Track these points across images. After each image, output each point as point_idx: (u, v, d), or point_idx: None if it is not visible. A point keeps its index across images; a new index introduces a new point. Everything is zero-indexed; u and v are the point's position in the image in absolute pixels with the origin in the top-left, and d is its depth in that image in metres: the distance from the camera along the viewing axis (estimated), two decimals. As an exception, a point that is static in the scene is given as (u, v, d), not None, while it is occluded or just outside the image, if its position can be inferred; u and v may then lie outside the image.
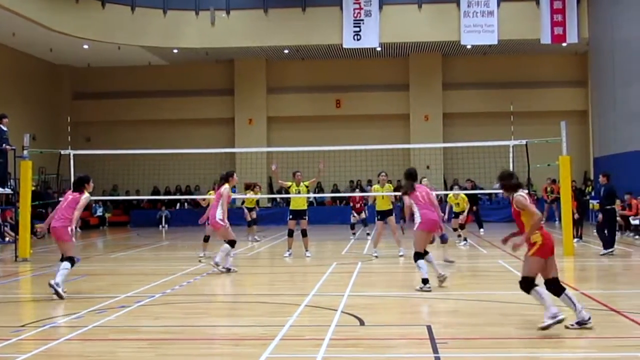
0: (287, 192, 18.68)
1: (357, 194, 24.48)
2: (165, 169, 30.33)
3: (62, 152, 19.61)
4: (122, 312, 10.03)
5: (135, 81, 35.69)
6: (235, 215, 22.31)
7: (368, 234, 22.78)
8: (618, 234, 22.28)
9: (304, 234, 17.56)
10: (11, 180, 19.50)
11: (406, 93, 34.74)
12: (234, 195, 18.46)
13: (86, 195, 11.84)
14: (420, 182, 15.72)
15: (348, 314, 9.54)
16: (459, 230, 20.07)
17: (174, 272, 14.65)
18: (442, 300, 10.80)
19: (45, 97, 34.29)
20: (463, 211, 19.72)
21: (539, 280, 8.41)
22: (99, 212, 32.94)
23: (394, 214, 17.28)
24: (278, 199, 32.80)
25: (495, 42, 30.04)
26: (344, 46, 30.58)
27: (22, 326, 9.07)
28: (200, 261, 16.71)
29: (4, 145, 17.84)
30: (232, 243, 14.52)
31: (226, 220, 14.57)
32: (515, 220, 8.57)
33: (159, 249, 21.82)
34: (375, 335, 8.44)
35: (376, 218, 17.31)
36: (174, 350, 7.85)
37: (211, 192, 18.50)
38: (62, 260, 11.84)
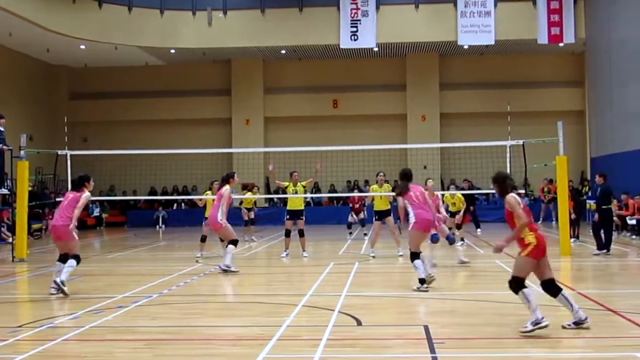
0: (284, 192, 18.68)
1: (356, 194, 24.47)
2: (162, 169, 30.30)
3: (59, 152, 19.57)
4: (119, 312, 10.03)
5: (132, 81, 35.66)
6: (234, 215, 22.29)
7: (365, 235, 22.78)
8: (615, 234, 22.34)
9: (301, 234, 17.57)
10: (8, 181, 19.45)
11: (403, 93, 34.76)
12: (233, 196, 18.47)
13: (86, 194, 11.96)
14: (426, 184, 15.83)
15: (345, 314, 9.55)
16: (456, 230, 20.07)
17: (171, 272, 14.64)
18: (439, 301, 10.81)
19: (42, 98, 34.26)
20: (459, 211, 19.72)
21: (536, 281, 8.42)
22: (96, 212, 32.91)
23: (392, 214, 17.28)
24: (275, 199, 32.79)
25: (492, 42, 30.07)
26: (341, 46, 30.59)
27: (19, 327, 9.06)
28: (197, 261, 16.72)
29: (1, 145, 17.82)
30: (234, 242, 14.53)
31: (225, 221, 14.58)
32: (508, 221, 8.56)
33: (156, 250, 21.81)
34: (372, 336, 8.45)
35: (374, 218, 17.32)
36: (171, 350, 7.85)
37: (208, 192, 18.47)
38: (59, 259, 11.95)
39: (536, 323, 7.95)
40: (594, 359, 7.23)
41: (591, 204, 23.60)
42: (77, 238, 11.99)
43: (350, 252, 18.92)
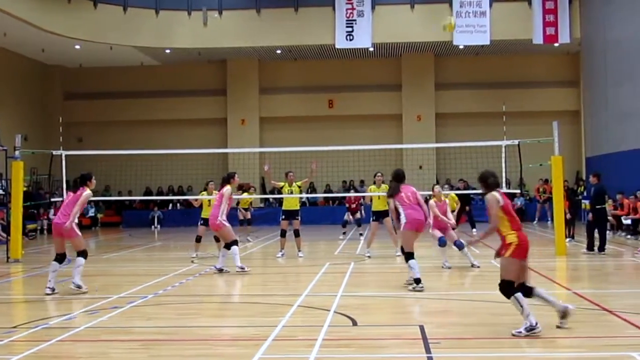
0: (280, 193, 18.68)
1: (352, 194, 24.46)
2: (157, 170, 30.26)
3: (54, 152, 19.54)
4: (114, 313, 10.01)
5: (127, 81, 35.60)
6: (230, 215, 22.25)
7: (361, 235, 22.77)
8: (610, 234, 22.40)
9: (297, 234, 17.57)
10: (3, 181, 19.43)
11: (399, 93, 34.75)
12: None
13: (87, 192, 12.17)
14: (433, 190, 15.87)
15: (341, 314, 9.55)
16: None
17: (167, 272, 14.63)
18: (435, 300, 10.82)
19: (37, 98, 34.18)
20: (453, 211, 19.72)
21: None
22: (91, 212, 32.85)
23: (390, 215, 17.29)
24: (271, 200, 32.77)
25: (488, 43, 30.06)
26: (337, 46, 30.56)
27: (14, 327, 9.04)
28: (192, 262, 16.71)
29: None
30: (234, 243, 14.53)
31: (226, 221, 14.58)
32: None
33: (152, 250, 21.79)
34: (367, 336, 8.45)
35: (371, 218, 17.32)
36: (166, 351, 7.84)
37: (203, 192, 18.45)
38: (56, 259, 12.07)
39: (530, 329, 7.93)
40: (589, 358, 7.23)
41: (586, 203, 23.65)
42: (80, 233, 12.18)
43: (346, 252, 18.91)
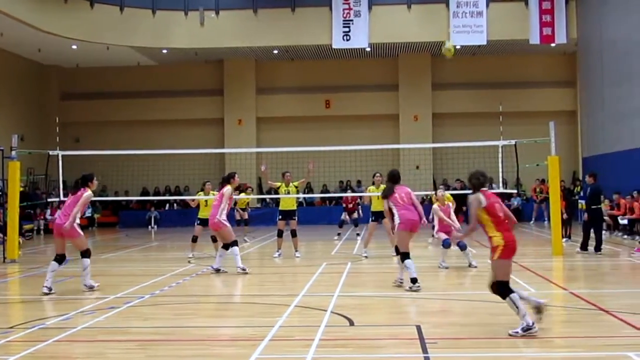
0: (277, 193, 18.67)
1: (349, 194, 24.46)
2: (154, 170, 30.24)
3: (51, 152, 19.51)
4: (111, 313, 10.01)
5: (124, 81, 35.58)
6: (229, 215, 22.25)
7: (358, 235, 22.79)
8: (607, 234, 22.43)
9: (294, 234, 17.57)
10: (-1, 181, 19.40)
11: (395, 93, 34.77)
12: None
13: (88, 192, 12.29)
14: (436, 193, 15.93)
15: (338, 314, 9.55)
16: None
17: (164, 273, 14.62)
18: (432, 301, 10.83)
19: (34, 98, 34.15)
20: None
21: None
22: (88, 212, 32.76)
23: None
24: (268, 200, 32.75)
25: (484, 43, 30.11)
26: (334, 46, 30.58)
27: (11, 328, 9.03)
28: (189, 262, 16.70)
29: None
30: (234, 243, 14.53)
31: (227, 221, 14.58)
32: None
33: (148, 250, 21.77)
34: (364, 336, 8.45)
35: (370, 219, 17.32)
36: (163, 351, 7.84)
37: (200, 193, 18.44)
38: (55, 259, 12.10)
39: (527, 329, 7.94)
40: (586, 358, 7.24)
41: (582, 203, 23.70)
42: (81, 234, 12.29)
43: (343, 252, 18.91)
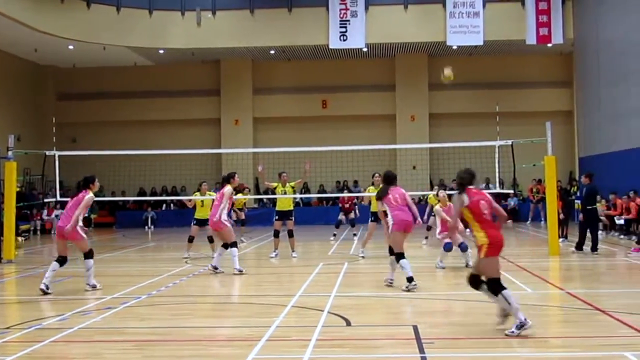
0: (274, 193, 18.67)
1: (345, 194, 24.45)
2: (151, 170, 30.19)
3: (47, 153, 19.49)
4: (108, 313, 10.00)
5: (120, 82, 35.55)
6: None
7: (355, 235, 22.77)
8: (603, 234, 22.47)
9: (290, 234, 17.56)
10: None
11: (392, 93, 34.78)
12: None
13: (89, 195, 12.38)
14: (437, 194, 15.95)
15: (334, 314, 9.55)
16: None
17: (160, 273, 14.61)
18: (428, 301, 10.83)
19: (30, 98, 34.10)
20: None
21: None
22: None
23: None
24: (265, 200, 32.74)
25: (481, 43, 30.14)
26: (330, 47, 30.60)
27: (7, 328, 9.02)
28: (186, 262, 16.69)
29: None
30: (234, 244, 14.52)
31: (227, 221, 14.57)
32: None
33: (145, 250, 21.75)
34: (361, 336, 8.46)
35: (370, 219, 17.32)
36: (160, 351, 7.83)
37: (196, 193, 18.42)
38: (57, 260, 12.14)
39: (521, 326, 7.95)
40: (582, 358, 7.25)
41: (579, 203, 23.74)
42: (84, 236, 12.37)
43: (340, 252, 18.91)
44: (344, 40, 30.11)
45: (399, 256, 11.72)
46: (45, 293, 11.77)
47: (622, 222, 22.11)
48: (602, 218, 22.65)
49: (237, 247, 14.68)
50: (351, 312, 9.72)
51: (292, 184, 17.74)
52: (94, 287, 12.24)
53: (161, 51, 32.49)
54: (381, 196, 12.21)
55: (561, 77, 34.20)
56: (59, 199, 20.84)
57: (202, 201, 17.69)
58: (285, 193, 17.60)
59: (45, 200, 23.41)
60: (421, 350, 7.43)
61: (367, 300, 11.05)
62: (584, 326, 8.59)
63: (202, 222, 17.54)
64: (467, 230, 13.17)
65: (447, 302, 10.77)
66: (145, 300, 11.19)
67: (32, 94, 34.32)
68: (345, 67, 34.67)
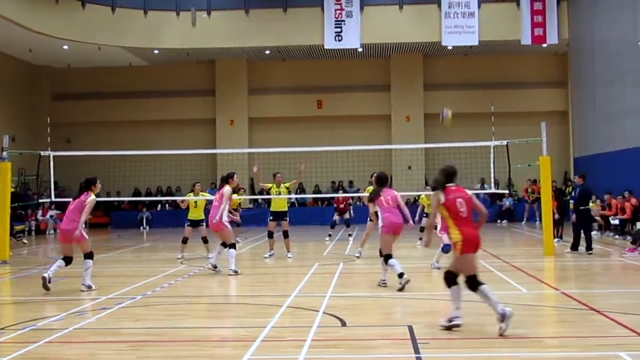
0: (268, 194, 18.65)
1: (340, 194, 24.44)
2: (146, 170, 30.11)
3: (42, 153, 19.43)
4: (102, 314, 9.99)
5: (115, 82, 35.48)
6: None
7: (350, 235, 22.76)
8: (598, 234, 22.50)
9: (286, 235, 17.56)
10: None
11: (387, 94, 34.78)
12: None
13: (91, 198, 12.46)
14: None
15: (330, 314, 9.55)
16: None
17: (155, 273, 14.60)
18: (424, 301, 10.84)
19: (25, 98, 34.03)
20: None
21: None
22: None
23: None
24: (260, 200, 32.72)
25: (476, 43, 30.19)
26: (325, 47, 30.61)
27: (2, 329, 9.00)
28: (181, 262, 16.67)
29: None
30: (232, 246, 14.50)
31: (227, 221, 14.55)
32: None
33: (140, 251, 21.72)
34: (356, 336, 8.45)
35: (368, 219, 17.30)
36: (155, 352, 7.82)
37: (190, 194, 18.37)
38: (63, 259, 12.30)
39: (503, 316, 8.02)
40: (577, 358, 7.26)
41: (572, 204, 23.77)
42: (87, 237, 12.52)
43: (335, 252, 18.91)
44: (339, 40, 30.12)
45: (387, 257, 11.82)
46: (45, 283, 11.76)
47: (617, 222, 22.14)
48: (597, 218, 22.69)
49: (235, 249, 14.65)
50: (346, 312, 9.72)
51: (287, 184, 17.73)
52: (89, 287, 12.26)
53: (156, 51, 32.45)
54: (373, 198, 12.34)
55: (556, 77, 34.23)
56: (53, 199, 20.79)
57: (195, 202, 17.67)
58: (279, 194, 17.59)
59: (40, 200, 23.39)
60: (416, 351, 7.43)
61: (362, 301, 11.05)
62: (579, 326, 8.60)
63: (196, 223, 17.53)
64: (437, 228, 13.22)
65: (442, 302, 10.75)
66: (140, 300, 11.18)
67: (27, 94, 34.25)
68: (340, 68, 34.66)
